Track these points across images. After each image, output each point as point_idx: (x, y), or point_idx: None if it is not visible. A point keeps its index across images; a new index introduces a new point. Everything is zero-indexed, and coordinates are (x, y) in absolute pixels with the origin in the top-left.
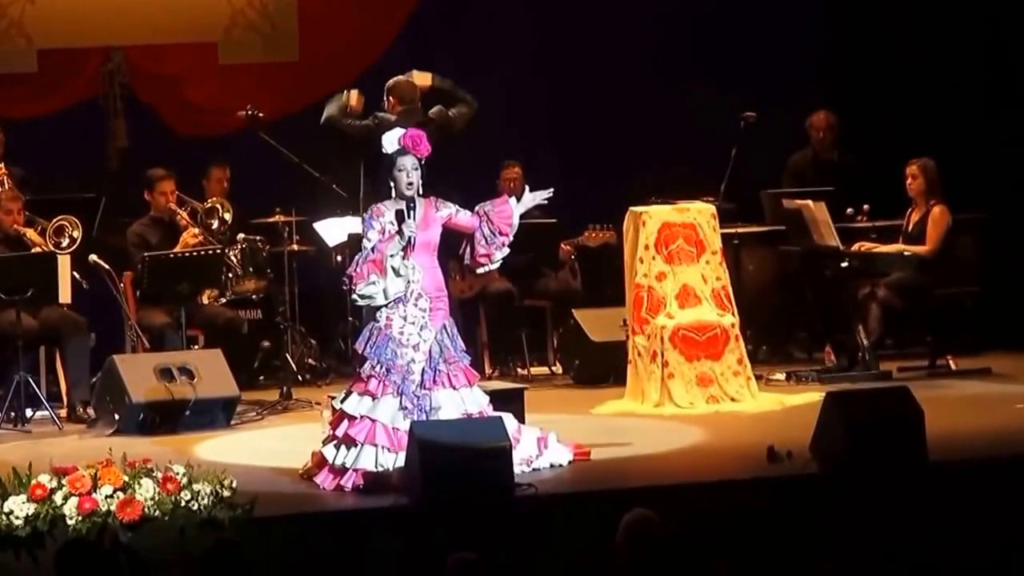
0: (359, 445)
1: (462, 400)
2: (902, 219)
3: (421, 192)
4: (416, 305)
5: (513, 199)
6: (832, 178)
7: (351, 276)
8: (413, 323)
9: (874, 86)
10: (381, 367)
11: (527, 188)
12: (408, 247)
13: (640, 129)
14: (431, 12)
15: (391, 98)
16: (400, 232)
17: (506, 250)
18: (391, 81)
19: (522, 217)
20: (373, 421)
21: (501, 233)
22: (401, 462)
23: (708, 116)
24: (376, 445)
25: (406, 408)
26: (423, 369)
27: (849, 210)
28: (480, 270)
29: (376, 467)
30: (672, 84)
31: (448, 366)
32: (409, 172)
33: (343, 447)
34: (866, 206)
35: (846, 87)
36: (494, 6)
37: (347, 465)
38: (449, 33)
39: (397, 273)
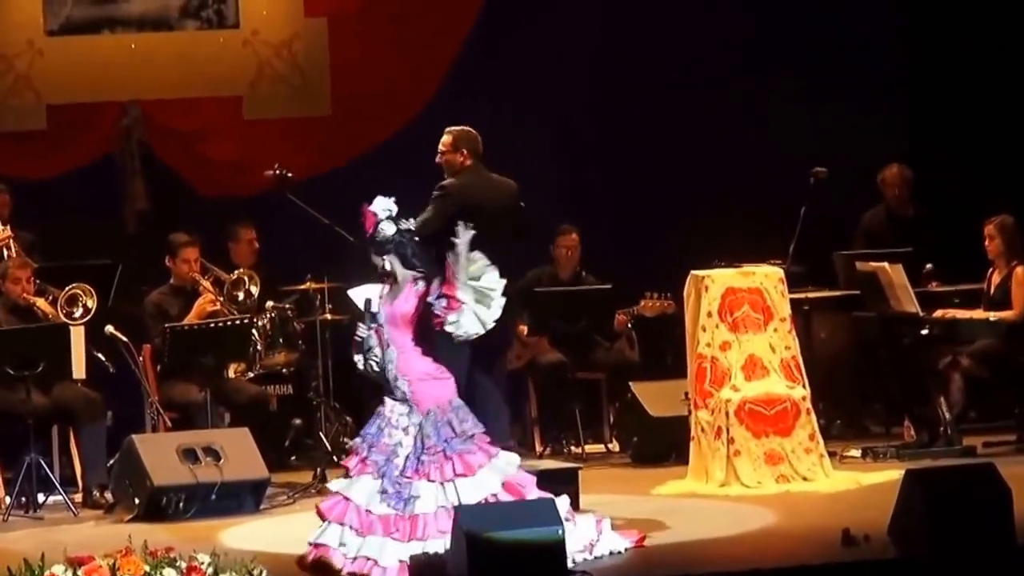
0: (327, 521)
1: (444, 494)
2: (983, 282)
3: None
4: (398, 386)
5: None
6: (908, 236)
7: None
8: (400, 404)
9: (951, 137)
10: (364, 443)
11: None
12: (374, 327)
13: (701, 188)
14: (474, 68)
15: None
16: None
17: (460, 313)
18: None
19: (576, 283)
20: (347, 500)
21: (442, 294)
22: (366, 549)
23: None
24: (343, 524)
25: (385, 491)
26: (407, 455)
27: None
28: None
29: (338, 546)
30: (734, 141)
31: (430, 457)
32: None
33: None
34: (928, 265)
35: (922, 138)
36: (539, 62)
37: (310, 540)
38: (492, 90)
39: (361, 350)
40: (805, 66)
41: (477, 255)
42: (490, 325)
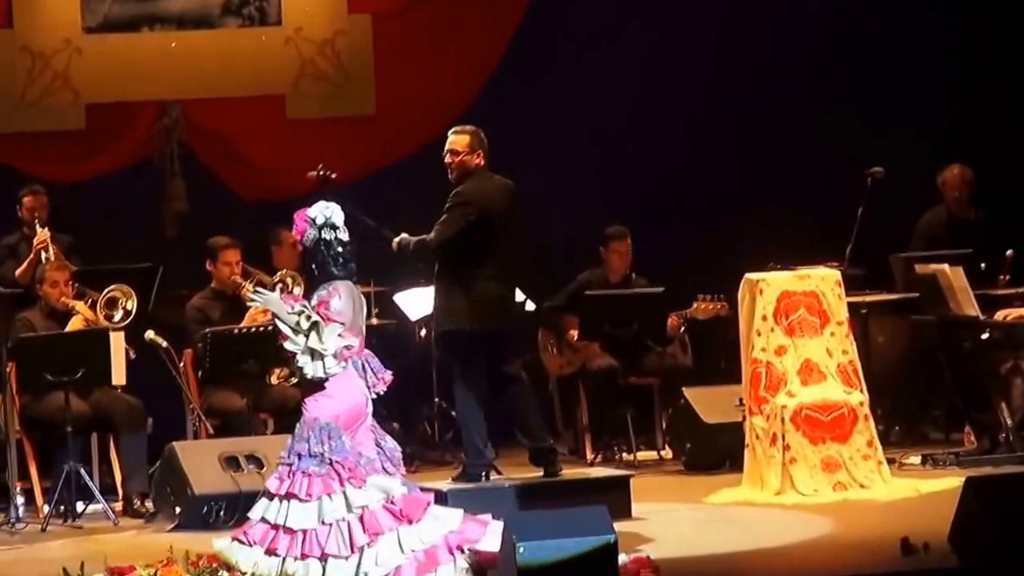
0: None
1: (276, 509)
2: None
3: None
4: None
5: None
6: (969, 239)
7: None
8: None
9: (1008, 135)
10: None
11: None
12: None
13: (754, 187)
14: (520, 66)
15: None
16: None
17: (297, 361)
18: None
19: (626, 286)
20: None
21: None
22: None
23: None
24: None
25: None
26: None
27: (983, 265)
28: None
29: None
30: (788, 139)
31: (279, 467)
32: None
33: None
34: (1007, 276)
35: (978, 136)
36: (586, 60)
37: None
38: (538, 88)
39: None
40: (862, 65)
41: (308, 314)
42: (330, 373)
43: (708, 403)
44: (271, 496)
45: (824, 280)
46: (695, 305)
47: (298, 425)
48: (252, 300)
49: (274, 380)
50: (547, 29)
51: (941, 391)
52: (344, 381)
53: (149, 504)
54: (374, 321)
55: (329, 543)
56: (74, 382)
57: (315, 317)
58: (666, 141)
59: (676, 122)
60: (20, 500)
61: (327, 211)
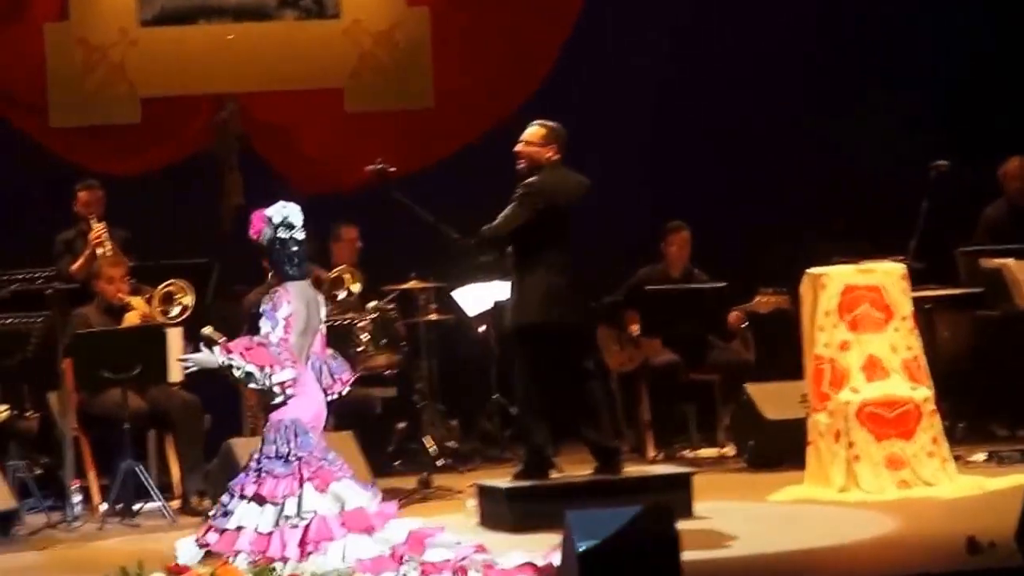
0: None
1: (243, 512)
2: None
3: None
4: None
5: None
6: None
7: None
8: None
9: None
10: None
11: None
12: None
13: (816, 181)
14: (580, 58)
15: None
16: None
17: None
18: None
19: (687, 281)
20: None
21: None
22: None
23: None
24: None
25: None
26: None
27: None
28: None
29: None
30: (850, 133)
31: (247, 473)
32: None
33: None
34: None
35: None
36: (648, 52)
37: None
38: (599, 79)
39: None
40: (918, 59)
41: (238, 365)
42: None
43: (771, 399)
44: (251, 500)
45: (888, 274)
46: (757, 299)
47: (264, 429)
48: (185, 368)
49: None
50: (608, 20)
51: (1007, 387)
52: (305, 383)
53: (207, 502)
54: (432, 317)
55: (289, 546)
56: (131, 379)
57: (246, 367)
58: (727, 135)
59: (739, 115)
60: (77, 498)
61: (284, 211)
